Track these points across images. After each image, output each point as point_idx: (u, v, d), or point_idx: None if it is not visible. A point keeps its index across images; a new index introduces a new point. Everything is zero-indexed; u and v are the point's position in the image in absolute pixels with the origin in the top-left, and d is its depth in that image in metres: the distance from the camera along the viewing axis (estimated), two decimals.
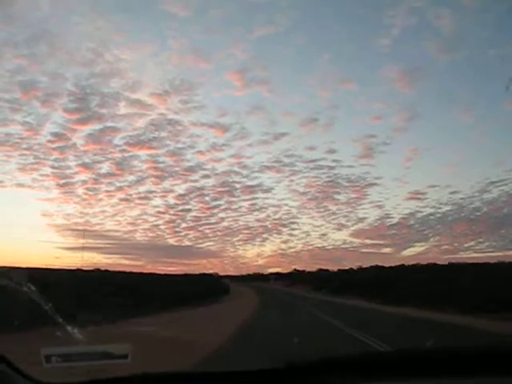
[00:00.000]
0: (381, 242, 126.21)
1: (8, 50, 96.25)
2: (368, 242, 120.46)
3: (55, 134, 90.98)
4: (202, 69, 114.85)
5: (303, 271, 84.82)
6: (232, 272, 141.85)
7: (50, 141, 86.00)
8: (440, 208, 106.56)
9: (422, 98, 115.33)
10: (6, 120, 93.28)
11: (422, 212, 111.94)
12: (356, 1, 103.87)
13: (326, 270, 67.48)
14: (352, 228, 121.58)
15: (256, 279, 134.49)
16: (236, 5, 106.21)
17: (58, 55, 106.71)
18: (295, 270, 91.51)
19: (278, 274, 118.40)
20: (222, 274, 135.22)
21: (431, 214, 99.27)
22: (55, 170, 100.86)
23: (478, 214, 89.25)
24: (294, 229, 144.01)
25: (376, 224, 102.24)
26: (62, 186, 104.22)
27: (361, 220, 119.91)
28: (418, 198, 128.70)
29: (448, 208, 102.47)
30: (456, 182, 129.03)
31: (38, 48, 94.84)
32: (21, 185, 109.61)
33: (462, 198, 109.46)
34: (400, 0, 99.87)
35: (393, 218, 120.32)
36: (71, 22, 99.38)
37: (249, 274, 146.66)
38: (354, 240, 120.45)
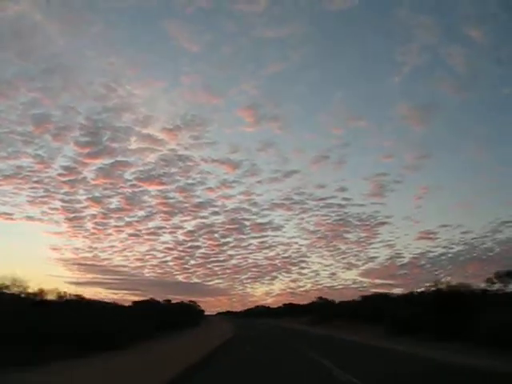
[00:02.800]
0: (391, 282, 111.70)
1: (22, 83, 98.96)
2: (378, 281, 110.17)
3: (66, 168, 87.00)
4: (213, 105, 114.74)
5: (332, 302, 57.73)
6: (239, 308, 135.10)
7: (60, 174, 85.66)
8: (452, 248, 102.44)
9: (435, 136, 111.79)
10: (18, 153, 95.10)
11: (433, 252, 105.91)
12: (368, 38, 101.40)
13: (387, 295, 41.33)
14: (362, 267, 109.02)
15: (262, 314, 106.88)
16: (248, 41, 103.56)
17: (71, 89, 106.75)
18: (320, 298, 63.88)
19: (290, 305, 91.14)
20: (230, 310, 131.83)
21: (442, 254, 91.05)
22: (65, 204, 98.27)
23: (491, 254, 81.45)
24: (303, 267, 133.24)
25: (386, 264, 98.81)
26: (71, 219, 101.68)
27: (371, 259, 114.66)
28: (430, 238, 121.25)
29: (460, 248, 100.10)
30: (468, 221, 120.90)
31: (52, 82, 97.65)
32: (30, 218, 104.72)
33: (473, 238, 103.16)
34: (412, 37, 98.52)
35: (403, 257, 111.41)
36: (85, 57, 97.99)
37: (253, 308, 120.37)
38: (364, 280, 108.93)
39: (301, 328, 43.18)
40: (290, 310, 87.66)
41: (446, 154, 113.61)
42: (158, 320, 26.78)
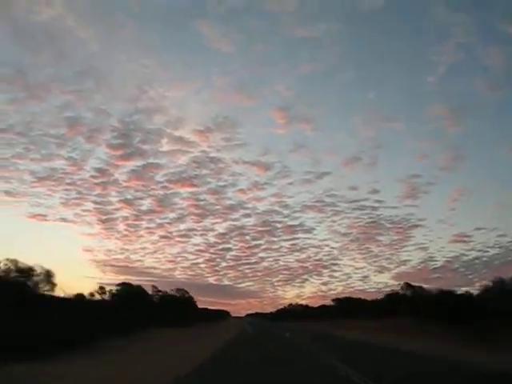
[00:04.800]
0: (424, 286, 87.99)
1: (56, 85, 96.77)
2: None
3: (98, 170, 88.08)
4: (245, 106, 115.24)
5: (426, 291, 36.29)
6: (269, 310, 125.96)
7: (93, 176, 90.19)
8: (487, 251, 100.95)
9: (469, 137, 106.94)
10: (52, 155, 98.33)
11: (467, 255, 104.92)
12: (401, 38, 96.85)
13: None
14: (394, 271, 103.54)
15: (297, 315, 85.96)
16: (280, 41, 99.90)
17: (103, 91, 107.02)
18: (408, 284, 42.09)
19: (347, 301, 68.44)
20: (260, 311, 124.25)
21: (477, 258, 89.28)
22: (97, 206, 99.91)
23: None
24: (334, 270, 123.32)
25: (419, 267, 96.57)
26: (103, 221, 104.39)
27: (403, 262, 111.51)
28: (464, 241, 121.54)
29: (495, 252, 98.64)
30: (503, 224, 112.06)
31: (85, 84, 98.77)
32: (64, 219, 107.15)
33: (509, 242, 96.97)
34: (447, 36, 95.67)
35: (437, 261, 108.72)
36: (117, 60, 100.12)
37: (286, 308, 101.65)
38: (397, 283, 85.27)
39: None
40: (338, 311, 65.66)
41: (481, 154, 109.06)
42: None
